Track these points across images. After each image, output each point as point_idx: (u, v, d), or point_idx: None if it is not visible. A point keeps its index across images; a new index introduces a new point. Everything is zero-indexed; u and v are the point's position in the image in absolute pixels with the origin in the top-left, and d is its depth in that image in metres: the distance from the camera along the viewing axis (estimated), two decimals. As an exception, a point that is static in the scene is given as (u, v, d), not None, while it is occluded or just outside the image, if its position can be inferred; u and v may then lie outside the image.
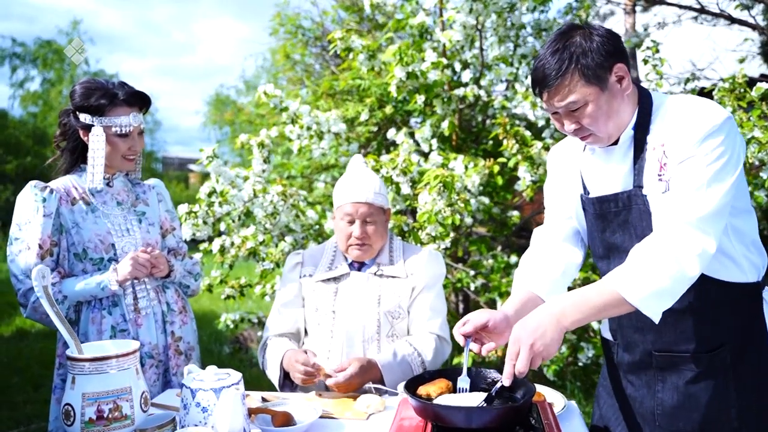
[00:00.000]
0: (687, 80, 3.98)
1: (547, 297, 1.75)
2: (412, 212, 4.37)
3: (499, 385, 1.56)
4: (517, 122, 4.26)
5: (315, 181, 5.08)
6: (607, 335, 1.86)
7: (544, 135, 4.07)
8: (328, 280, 2.28)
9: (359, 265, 2.30)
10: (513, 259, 4.08)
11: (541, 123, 3.99)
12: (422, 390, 1.66)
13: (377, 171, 3.30)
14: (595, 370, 4.16)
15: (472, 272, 4.06)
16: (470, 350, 1.66)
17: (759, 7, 5.92)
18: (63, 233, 2.09)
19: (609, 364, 1.87)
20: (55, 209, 2.07)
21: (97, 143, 2.08)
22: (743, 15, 5.54)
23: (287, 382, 2.18)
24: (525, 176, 3.50)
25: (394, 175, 3.15)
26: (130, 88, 2.15)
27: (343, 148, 4.06)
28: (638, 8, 6.05)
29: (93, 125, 2.08)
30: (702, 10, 5.16)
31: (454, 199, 2.80)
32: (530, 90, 3.97)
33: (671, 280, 1.43)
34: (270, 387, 2.26)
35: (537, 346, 1.44)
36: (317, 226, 3.78)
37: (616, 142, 1.65)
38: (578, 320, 1.47)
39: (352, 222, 2.23)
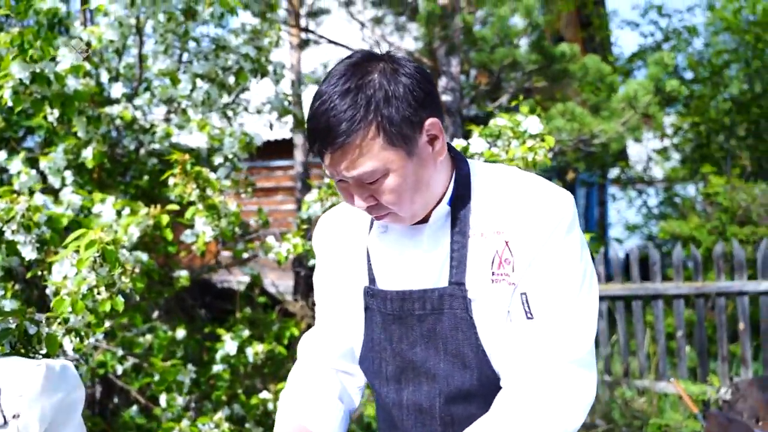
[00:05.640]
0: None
1: (320, 430, 1.28)
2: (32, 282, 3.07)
3: None
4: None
5: None
6: None
7: (218, 175, 3.26)
8: None
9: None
10: (180, 333, 3.15)
11: (218, 161, 3.19)
12: None
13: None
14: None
15: (120, 351, 3.04)
16: None
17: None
18: None
19: None
20: None
21: None
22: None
23: None
24: (205, 230, 2.68)
25: (9, 230, 1.95)
26: None
27: None
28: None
29: None
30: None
31: (117, 275, 1.79)
32: (208, 118, 3.19)
33: None
34: None
35: None
36: None
37: (424, 220, 1.20)
38: None
39: None
